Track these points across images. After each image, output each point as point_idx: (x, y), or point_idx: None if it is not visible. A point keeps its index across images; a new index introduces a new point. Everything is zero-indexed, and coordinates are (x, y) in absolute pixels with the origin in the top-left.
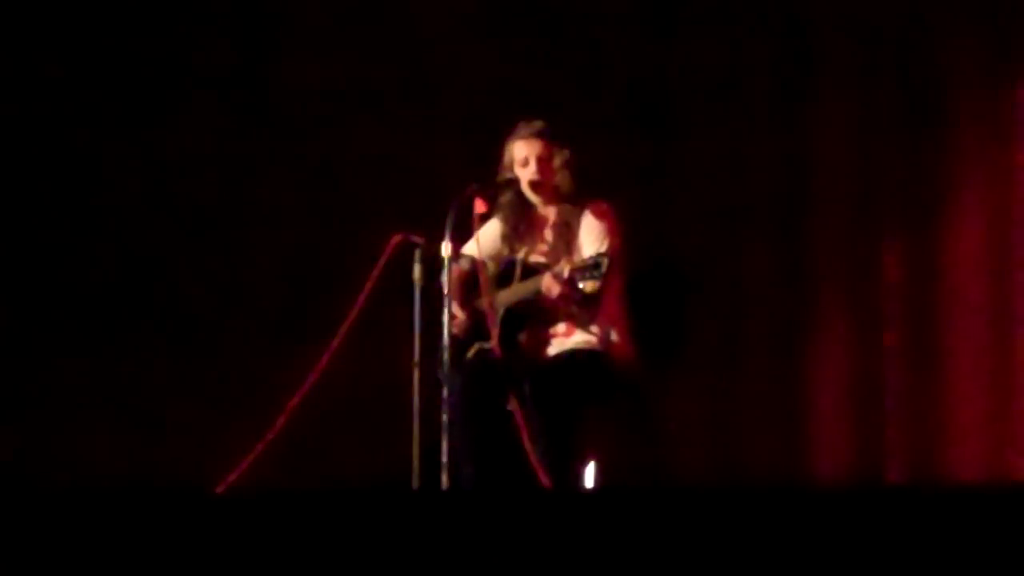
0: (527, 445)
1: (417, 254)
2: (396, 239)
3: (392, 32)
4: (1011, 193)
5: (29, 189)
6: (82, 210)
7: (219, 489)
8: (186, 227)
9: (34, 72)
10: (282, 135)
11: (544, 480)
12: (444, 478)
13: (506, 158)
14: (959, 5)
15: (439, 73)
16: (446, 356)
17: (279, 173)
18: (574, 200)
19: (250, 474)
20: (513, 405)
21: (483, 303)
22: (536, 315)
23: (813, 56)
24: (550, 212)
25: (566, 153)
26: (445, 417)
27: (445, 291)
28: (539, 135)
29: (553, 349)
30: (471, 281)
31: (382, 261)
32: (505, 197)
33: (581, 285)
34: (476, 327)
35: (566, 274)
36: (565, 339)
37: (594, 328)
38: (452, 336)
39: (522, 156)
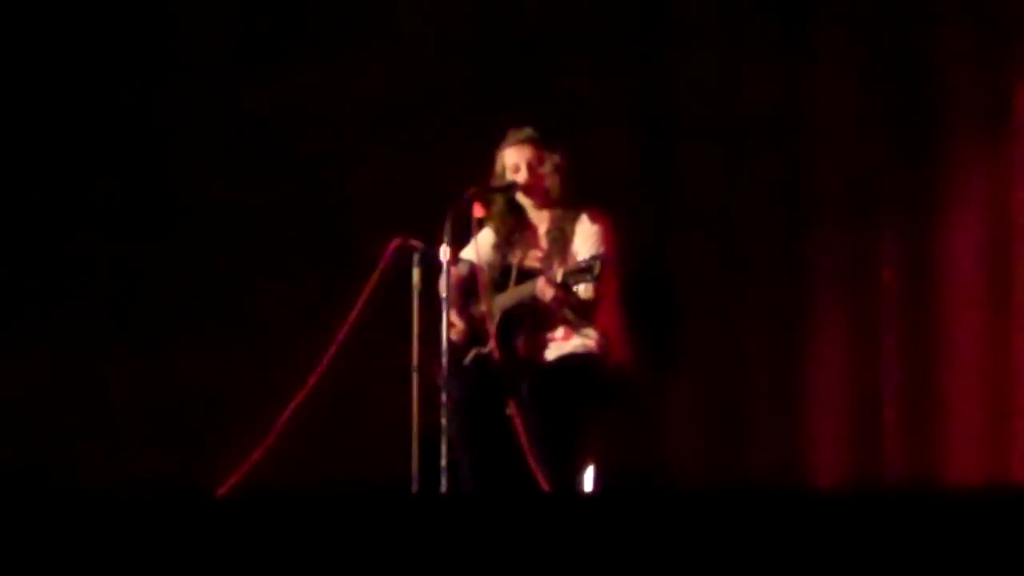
0: (526, 449)
1: (416, 258)
2: (395, 243)
3: (391, 36)
4: (1009, 192)
5: (28, 189)
6: (80, 212)
7: (219, 493)
8: (185, 230)
9: (34, 71)
10: (281, 139)
11: (543, 484)
12: (443, 482)
13: (498, 167)
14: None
15: (438, 77)
16: (445, 361)
17: (278, 177)
18: (568, 205)
19: (250, 478)
20: (511, 409)
21: (481, 308)
22: (533, 319)
23: (810, 53)
24: (544, 217)
25: (556, 157)
26: (444, 421)
27: (443, 296)
28: (528, 141)
29: (551, 353)
30: (470, 286)
31: (381, 265)
32: (497, 206)
33: (575, 288)
34: (474, 332)
35: (559, 278)
36: (563, 343)
37: (591, 332)
38: (450, 341)
39: (513, 162)
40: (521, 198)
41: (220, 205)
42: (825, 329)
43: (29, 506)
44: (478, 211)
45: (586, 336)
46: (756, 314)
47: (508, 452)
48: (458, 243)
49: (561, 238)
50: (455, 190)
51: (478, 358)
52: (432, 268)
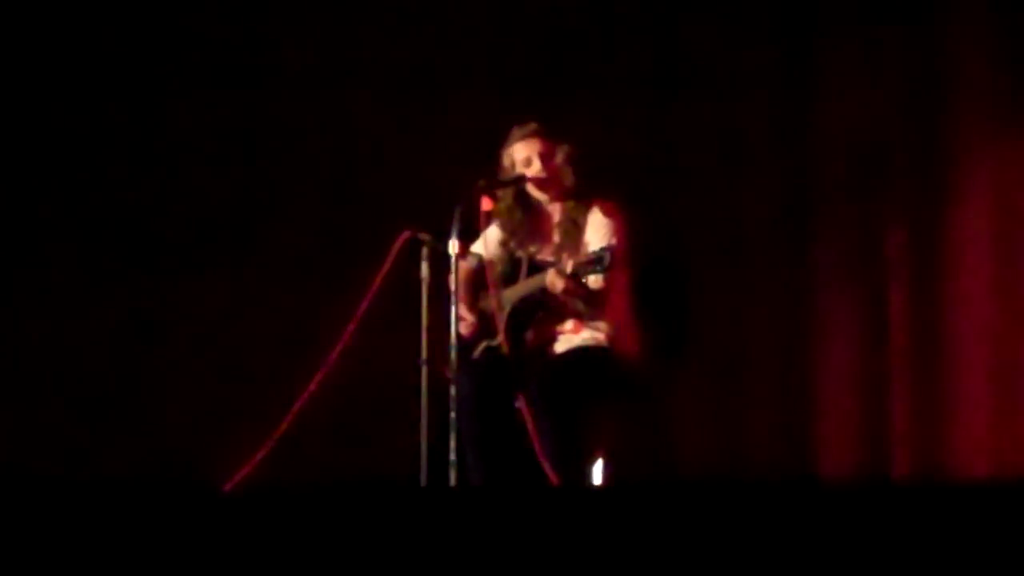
0: (534, 442)
1: (424, 251)
2: (403, 236)
3: (401, 28)
4: (1019, 185)
5: (35, 183)
6: (88, 203)
7: (227, 487)
8: (193, 225)
9: (35, 68)
10: (289, 132)
11: (552, 477)
12: (452, 476)
13: (506, 163)
14: None
15: (447, 70)
16: (453, 354)
17: (287, 170)
18: (580, 196)
19: (258, 472)
20: (520, 403)
21: (490, 301)
22: (543, 312)
23: (817, 37)
24: (556, 210)
25: (566, 148)
26: (453, 415)
27: (452, 289)
28: (537, 134)
29: (560, 346)
30: (479, 279)
31: (389, 258)
32: (505, 200)
33: (585, 280)
34: (483, 325)
35: (569, 269)
36: (572, 336)
37: (601, 325)
38: (460, 335)
39: (523, 156)
40: (533, 191)
41: (227, 199)
42: (833, 322)
43: (35, 500)
44: (486, 205)
45: (596, 329)
46: (765, 307)
47: (517, 445)
48: (467, 237)
49: (573, 229)
50: (464, 184)
51: (487, 351)
52: (441, 262)
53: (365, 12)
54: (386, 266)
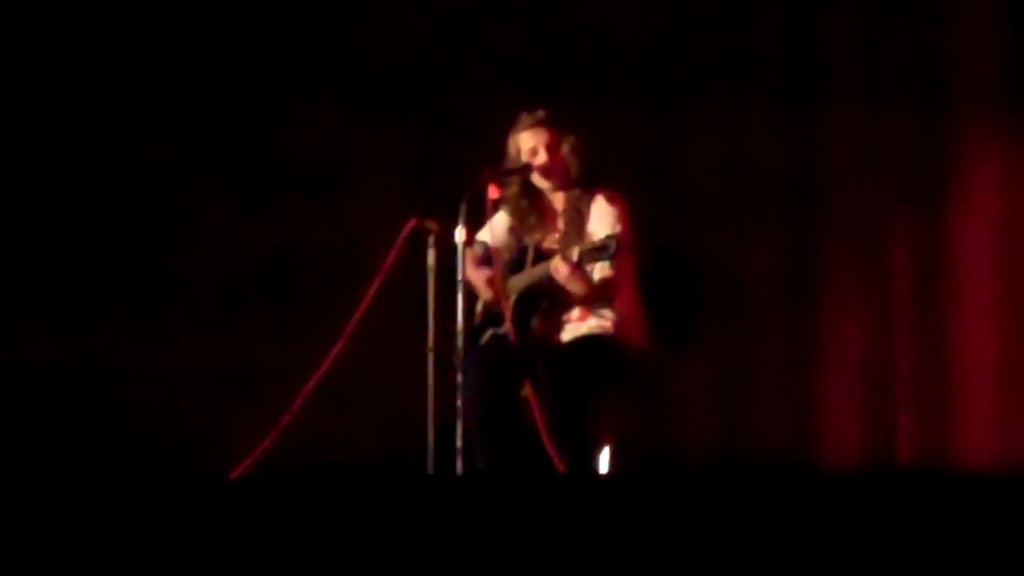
0: (541, 430)
1: (431, 239)
2: (410, 224)
3: (407, 14)
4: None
5: (41, 177)
6: (94, 186)
7: (233, 474)
8: (201, 211)
9: (36, 69)
10: (294, 117)
11: (558, 465)
12: (459, 463)
13: (512, 151)
14: None
15: (454, 57)
16: (460, 342)
17: (295, 156)
18: (584, 185)
19: (264, 459)
20: (527, 390)
21: (497, 289)
22: (549, 300)
23: (821, 35)
24: (561, 199)
25: (572, 139)
26: (459, 402)
27: (459, 277)
28: (544, 123)
29: (567, 334)
30: (485, 268)
31: (396, 246)
32: (511, 188)
33: (590, 268)
34: (490, 313)
35: (575, 257)
36: (579, 324)
37: (607, 312)
38: (466, 322)
39: (529, 146)
40: (538, 180)
41: (233, 186)
42: (838, 311)
43: (42, 489)
44: (493, 193)
45: (602, 317)
46: (770, 295)
47: (523, 433)
48: (474, 224)
49: (578, 218)
50: (471, 171)
51: (494, 339)
52: (448, 249)
53: None
54: (393, 254)
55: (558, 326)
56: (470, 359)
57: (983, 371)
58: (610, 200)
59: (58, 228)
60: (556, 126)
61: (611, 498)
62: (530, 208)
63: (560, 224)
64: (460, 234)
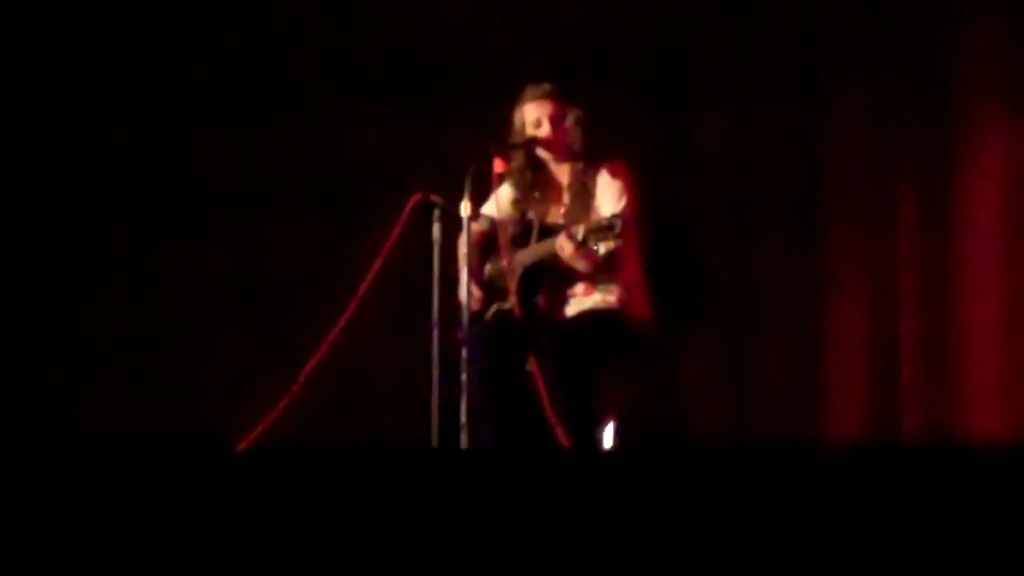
0: (545, 405)
1: (436, 213)
2: (415, 198)
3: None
4: None
5: (51, 169)
6: (101, 168)
7: (239, 448)
8: (205, 185)
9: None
10: (302, 95)
11: (562, 440)
12: (463, 438)
13: (517, 122)
14: None
15: (460, 33)
16: (465, 316)
17: (299, 131)
18: (589, 159)
19: (270, 433)
20: (531, 365)
21: (501, 263)
22: (554, 276)
23: (827, 23)
24: (565, 172)
25: (577, 111)
26: (464, 377)
27: (463, 252)
28: (549, 96)
29: (571, 309)
30: (490, 241)
31: (401, 220)
32: (516, 162)
33: (596, 246)
34: (494, 287)
35: (580, 235)
36: (583, 299)
37: (612, 287)
38: (470, 297)
39: (534, 118)
40: (542, 153)
41: (238, 163)
42: (843, 286)
43: (51, 458)
44: (498, 166)
45: (607, 291)
46: (775, 269)
47: (528, 408)
48: (478, 198)
49: (583, 193)
50: (476, 145)
51: (499, 314)
52: (453, 223)
53: None
54: (398, 228)
55: (563, 301)
56: (475, 334)
57: (990, 343)
58: (614, 173)
59: (66, 183)
60: (562, 99)
61: (615, 473)
62: (535, 181)
63: (565, 198)
64: (465, 208)
